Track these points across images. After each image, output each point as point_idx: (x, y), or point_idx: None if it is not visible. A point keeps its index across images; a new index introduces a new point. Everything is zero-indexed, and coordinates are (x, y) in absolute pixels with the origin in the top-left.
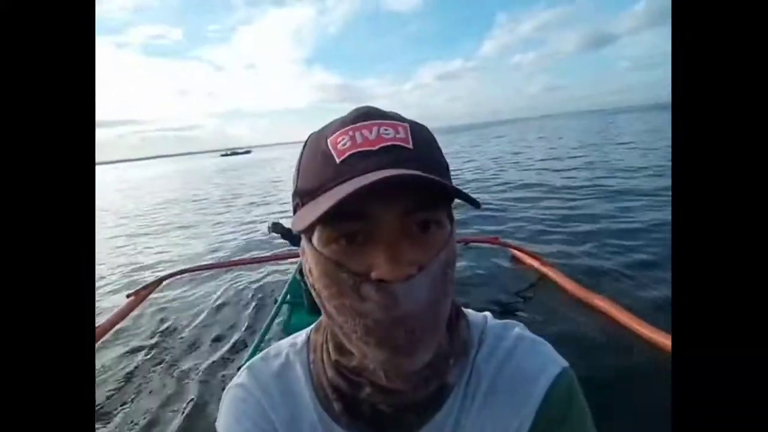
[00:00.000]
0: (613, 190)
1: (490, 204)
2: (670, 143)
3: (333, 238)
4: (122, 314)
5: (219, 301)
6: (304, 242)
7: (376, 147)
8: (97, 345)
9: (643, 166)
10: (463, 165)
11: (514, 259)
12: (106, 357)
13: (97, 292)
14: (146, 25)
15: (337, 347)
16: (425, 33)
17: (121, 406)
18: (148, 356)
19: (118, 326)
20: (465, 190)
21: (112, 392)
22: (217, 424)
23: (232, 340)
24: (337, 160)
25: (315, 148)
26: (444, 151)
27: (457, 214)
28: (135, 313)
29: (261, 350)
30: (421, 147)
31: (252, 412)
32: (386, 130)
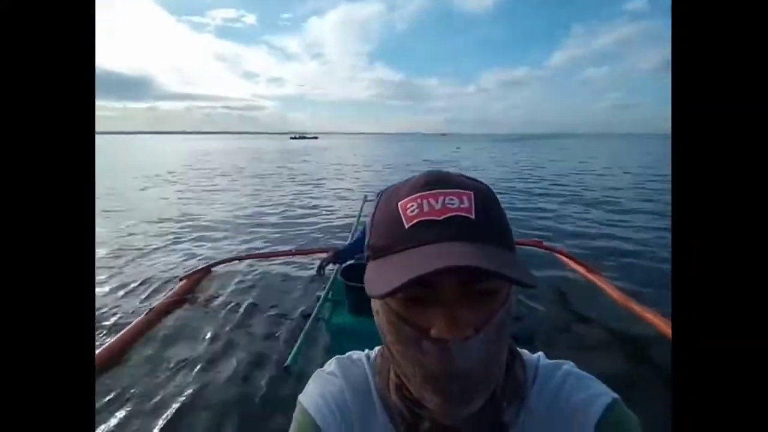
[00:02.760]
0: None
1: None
2: None
3: (400, 297)
4: (177, 295)
5: (256, 293)
6: (368, 270)
7: (442, 217)
8: (150, 330)
9: None
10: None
11: (560, 264)
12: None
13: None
14: (223, 9)
15: (400, 376)
16: (494, 37)
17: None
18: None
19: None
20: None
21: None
22: (300, 397)
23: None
24: (406, 226)
25: (387, 208)
26: (493, 157)
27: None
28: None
29: (305, 347)
30: (483, 216)
31: (336, 395)
32: (451, 199)
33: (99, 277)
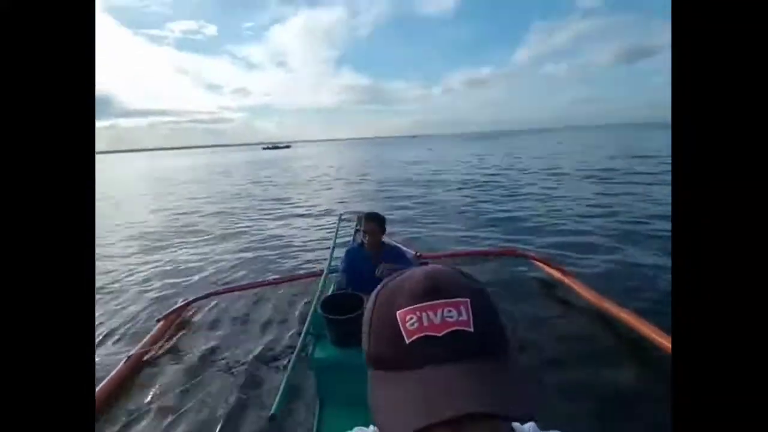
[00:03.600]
0: None
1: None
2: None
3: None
4: (155, 339)
5: (243, 325)
6: (372, 380)
7: (442, 333)
8: (135, 372)
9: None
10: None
11: (534, 269)
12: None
13: None
14: (183, 21)
15: None
16: (457, 39)
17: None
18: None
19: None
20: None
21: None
22: None
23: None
24: (407, 340)
25: (385, 316)
26: (466, 156)
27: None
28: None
29: (289, 390)
30: (480, 326)
31: None
32: (450, 311)
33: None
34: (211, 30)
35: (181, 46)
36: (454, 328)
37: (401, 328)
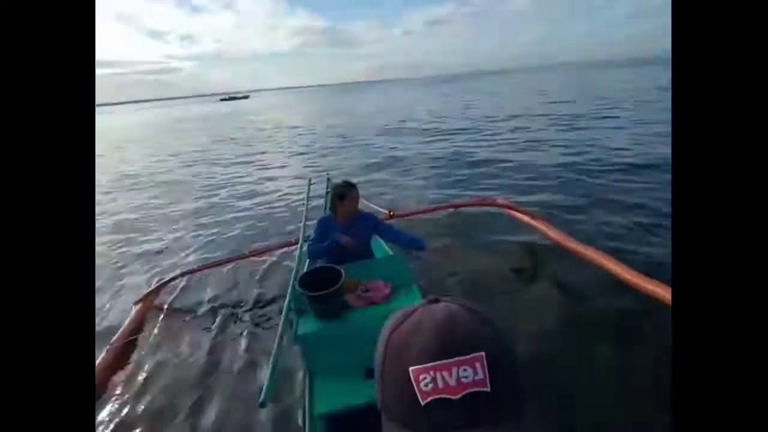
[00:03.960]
0: None
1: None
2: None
3: None
4: (134, 324)
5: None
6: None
7: (457, 396)
8: (117, 359)
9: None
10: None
11: (506, 216)
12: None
13: None
14: None
15: None
16: None
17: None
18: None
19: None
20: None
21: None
22: None
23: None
24: (421, 402)
25: (398, 369)
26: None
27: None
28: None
29: (277, 371)
30: (498, 383)
31: None
32: (465, 371)
33: None
34: None
35: None
36: (470, 390)
37: (415, 388)
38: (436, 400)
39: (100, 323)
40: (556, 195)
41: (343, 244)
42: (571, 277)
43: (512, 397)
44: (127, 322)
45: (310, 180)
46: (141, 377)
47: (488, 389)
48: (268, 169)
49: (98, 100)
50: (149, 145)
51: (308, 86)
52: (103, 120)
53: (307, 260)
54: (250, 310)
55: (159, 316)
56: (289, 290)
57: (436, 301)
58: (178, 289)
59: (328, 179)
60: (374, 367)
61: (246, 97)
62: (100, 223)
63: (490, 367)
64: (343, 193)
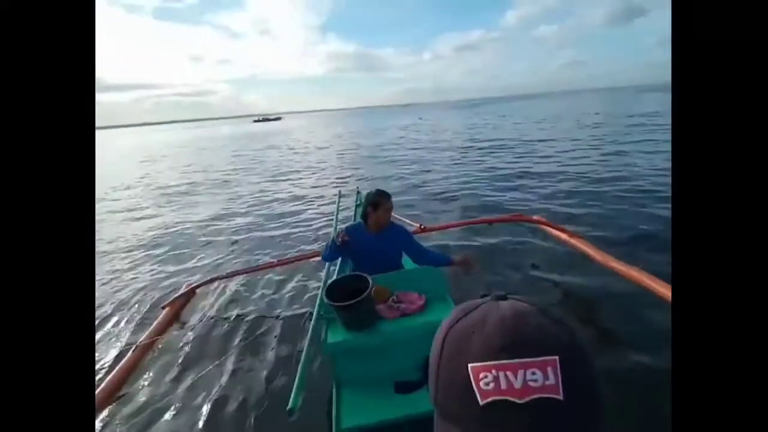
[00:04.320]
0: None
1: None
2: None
3: None
4: (161, 326)
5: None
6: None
7: (524, 400)
8: (143, 361)
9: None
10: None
11: (541, 233)
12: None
13: None
14: None
15: None
16: (445, 1)
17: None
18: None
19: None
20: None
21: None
22: None
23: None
24: (480, 402)
25: (455, 365)
26: (456, 124)
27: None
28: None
29: (305, 380)
30: (572, 392)
31: None
32: (533, 374)
33: None
34: None
35: (159, 15)
36: (538, 395)
37: (474, 386)
38: (497, 401)
39: (131, 326)
40: (592, 213)
41: (337, 241)
42: (605, 292)
43: (588, 409)
44: (155, 324)
45: (340, 192)
46: (166, 379)
47: (560, 397)
48: (295, 186)
49: (137, 119)
50: (184, 161)
51: (339, 109)
52: (142, 137)
53: (336, 269)
54: (279, 317)
55: (187, 321)
56: (318, 299)
57: (504, 297)
58: (208, 295)
59: (358, 192)
60: (429, 360)
61: (279, 119)
62: (133, 229)
63: (564, 372)
64: (377, 201)
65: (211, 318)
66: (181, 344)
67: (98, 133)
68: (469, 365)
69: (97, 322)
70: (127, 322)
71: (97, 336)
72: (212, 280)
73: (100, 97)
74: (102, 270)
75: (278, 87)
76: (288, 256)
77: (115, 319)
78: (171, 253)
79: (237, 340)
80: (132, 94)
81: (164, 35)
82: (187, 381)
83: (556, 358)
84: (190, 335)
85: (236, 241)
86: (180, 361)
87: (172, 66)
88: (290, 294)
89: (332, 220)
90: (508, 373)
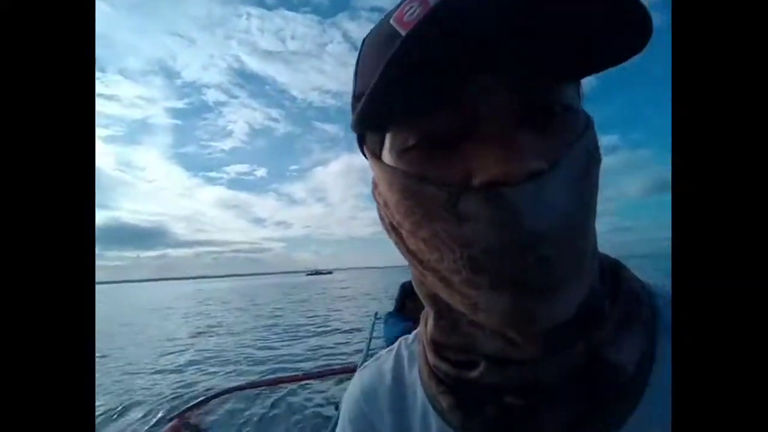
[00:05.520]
0: None
1: None
2: None
3: (411, 144)
4: None
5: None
6: (371, 163)
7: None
8: None
9: None
10: None
11: None
12: None
13: None
14: (237, 164)
15: (436, 314)
16: None
17: None
18: None
19: None
20: None
21: None
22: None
23: None
24: (403, 33)
25: (373, 37)
26: None
27: None
28: None
29: None
30: None
31: (358, 424)
32: None
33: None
34: (261, 172)
35: (232, 186)
36: None
37: (396, 28)
38: (426, 18)
39: None
40: None
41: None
42: None
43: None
44: None
45: (376, 314)
46: None
47: None
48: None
49: (193, 272)
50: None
51: (383, 267)
52: (198, 291)
53: None
54: None
55: None
56: (369, 335)
57: None
58: (222, 409)
59: (376, 317)
60: None
61: (330, 273)
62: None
63: None
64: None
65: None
66: None
67: (160, 284)
68: (390, 18)
69: None
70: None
71: None
72: (228, 391)
73: (168, 251)
74: None
75: (327, 246)
76: (310, 371)
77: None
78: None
79: None
80: (196, 250)
81: (233, 201)
82: None
83: None
84: None
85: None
86: None
87: (234, 226)
88: (313, 412)
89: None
90: None
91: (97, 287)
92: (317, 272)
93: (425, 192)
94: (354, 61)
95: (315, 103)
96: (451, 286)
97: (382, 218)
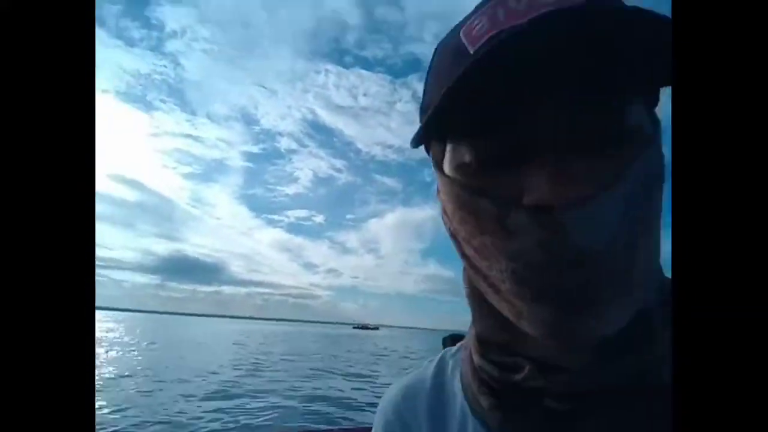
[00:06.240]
0: None
1: None
2: None
3: (469, 159)
4: None
5: None
6: (434, 171)
7: (528, 18)
8: None
9: None
10: None
11: None
12: None
13: None
14: (298, 210)
15: (486, 312)
16: None
17: None
18: None
19: None
20: None
21: None
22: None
23: None
24: (471, 50)
25: (444, 48)
26: None
27: None
28: None
29: None
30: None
31: (394, 427)
32: None
33: None
34: (319, 219)
35: (290, 230)
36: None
37: (464, 42)
38: (494, 36)
39: None
40: None
41: None
42: None
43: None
44: None
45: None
46: None
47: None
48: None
49: (243, 311)
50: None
51: (429, 328)
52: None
53: None
54: None
55: None
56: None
57: None
58: None
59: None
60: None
61: (376, 329)
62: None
63: None
64: (456, 337)
65: None
66: None
67: (209, 320)
68: (460, 31)
69: None
70: None
71: None
72: None
73: (222, 288)
74: None
75: (375, 299)
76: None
77: None
78: None
79: None
80: (249, 289)
81: (288, 245)
82: None
83: None
84: None
85: None
86: None
87: (286, 270)
88: None
89: None
90: (509, 1)
91: (151, 316)
92: (364, 326)
93: (478, 205)
94: None
95: (377, 157)
96: (499, 293)
97: (444, 223)
